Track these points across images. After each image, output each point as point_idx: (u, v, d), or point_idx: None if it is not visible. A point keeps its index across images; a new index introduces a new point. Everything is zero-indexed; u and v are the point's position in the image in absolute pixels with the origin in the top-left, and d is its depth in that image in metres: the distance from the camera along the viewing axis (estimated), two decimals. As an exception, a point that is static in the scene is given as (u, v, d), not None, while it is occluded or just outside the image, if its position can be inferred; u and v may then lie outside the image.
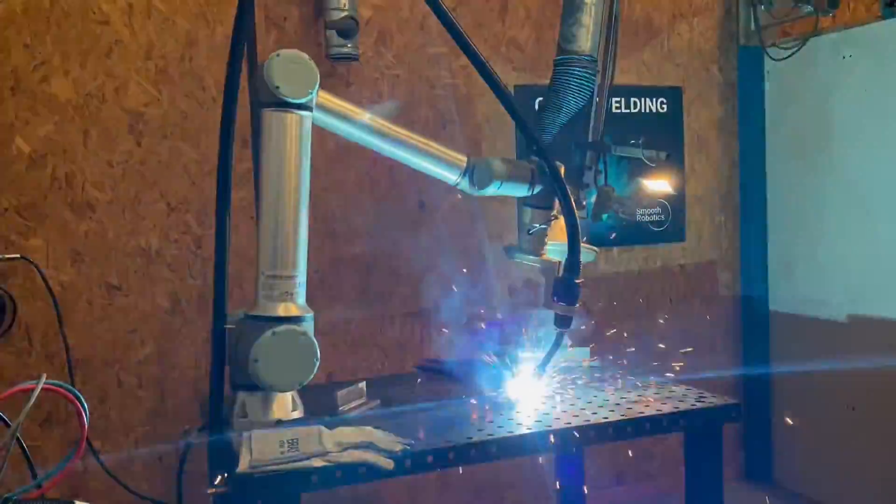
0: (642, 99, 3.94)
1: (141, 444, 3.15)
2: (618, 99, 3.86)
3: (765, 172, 4.13)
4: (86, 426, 1.33)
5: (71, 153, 3.02)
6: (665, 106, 3.99)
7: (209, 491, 1.78)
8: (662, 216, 4.01)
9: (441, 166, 2.26)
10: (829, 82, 3.73)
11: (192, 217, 3.19)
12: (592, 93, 2.48)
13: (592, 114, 2.53)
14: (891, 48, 3.45)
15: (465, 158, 2.27)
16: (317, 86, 1.99)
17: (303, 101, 1.97)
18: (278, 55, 1.94)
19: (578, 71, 2.42)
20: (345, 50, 3.20)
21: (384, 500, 3.55)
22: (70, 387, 1.33)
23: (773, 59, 3.96)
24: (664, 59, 4.00)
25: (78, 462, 3.03)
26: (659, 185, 3.78)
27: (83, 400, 1.33)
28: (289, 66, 1.94)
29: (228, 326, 1.97)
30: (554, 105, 2.45)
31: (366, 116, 2.14)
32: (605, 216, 2.56)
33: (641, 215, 3.96)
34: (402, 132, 2.20)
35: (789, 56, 3.86)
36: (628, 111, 3.91)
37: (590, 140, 2.52)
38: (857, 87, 3.59)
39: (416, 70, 3.52)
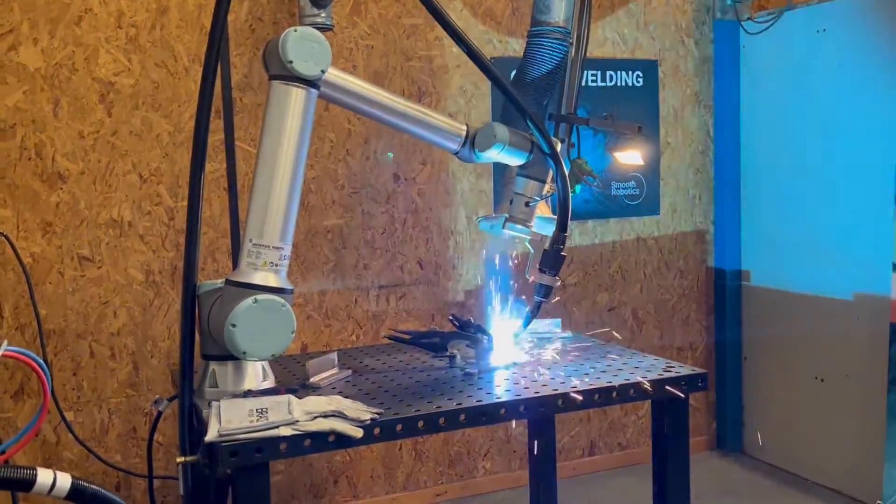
0: (618, 72, 3.95)
1: (114, 415, 3.15)
2: (594, 72, 3.87)
3: (740, 146, 4.15)
4: (48, 391, 1.33)
5: (40, 123, 2.99)
6: (641, 79, 4.00)
7: (178, 460, 1.78)
8: (637, 189, 4.03)
9: (442, 135, 2.26)
10: (804, 56, 3.75)
11: (165, 188, 3.17)
12: (566, 65, 2.47)
13: (566, 86, 2.53)
14: (865, 22, 3.47)
15: (464, 127, 2.28)
16: (328, 66, 2.00)
17: (313, 77, 1.98)
18: (296, 30, 1.95)
19: (551, 42, 2.41)
20: (318, 20, 3.17)
21: (359, 472, 3.58)
22: (30, 353, 1.33)
23: (749, 33, 3.98)
24: (640, 33, 4.00)
25: (48, 428, 3.03)
26: (631, 157, 3.80)
27: (44, 365, 1.32)
28: (304, 43, 1.95)
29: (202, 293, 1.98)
30: (527, 77, 2.44)
31: (367, 88, 2.15)
32: (577, 188, 2.57)
33: (616, 189, 3.98)
34: (404, 103, 2.22)
35: (764, 30, 3.87)
36: (604, 84, 3.91)
37: (563, 112, 2.52)
38: (832, 61, 3.61)
39: (391, 41, 3.50)
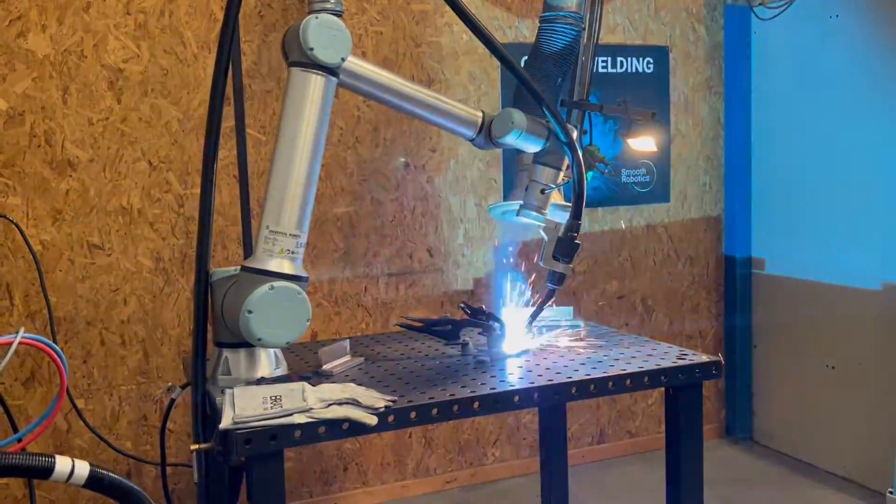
0: (629, 58, 3.92)
1: (125, 402, 3.16)
2: (604, 58, 3.84)
3: (751, 133, 4.13)
4: (65, 379, 1.32)
5: (50, 110, 2.98)
6: (651, 66, 3.97)
7: (192, 448, 1.78)
8: (647, 177, 4.01)
9: (458, 122, 2.26)
10: (816, 42, 3.72)
11: (175, 176, 3.16)
12: (578, 51, 2.45)
13: (577, 72, 2.51)
14: (878, 8, 3.43)
15: (480, 113, 2.27)
16: (348, 53, 2.00)
17: (332, 65, 1.97)
18: (317, 18, 1.95)
19: (564, 28, 2.39)
20: (327, 5, 3.12)
21: (369, 459, 3.58)
22: (47, 340, 1.32)
23: (760, 19, 3.94)
24: (651, 19, 3.97)
25: (58, 415, 3.04)
26: (644, 143, 3.77)
27: (61, 353, 1.32)
28: (325, 31, 1.95)
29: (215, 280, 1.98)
30: (539, 63, 2.42)
31: (382, 75, 2.14)
32: (589, 175, 2.56)
33: (626, 176, 3.95)
34: (420, 89, 2.21)
35: (776, 15, 3.84)
36: (614, 71, 3.88)
37: (574, 99, 2.50)
38: (845, 48, 3.58)
39: (400, 27, 3.48)
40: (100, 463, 3.12)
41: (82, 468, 1.17)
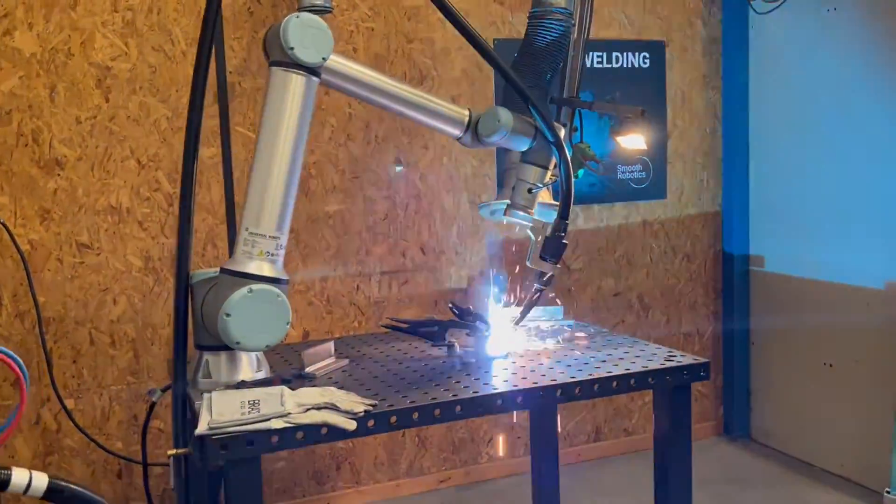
0: (624, 53, 3.87)
1: (115, 402, 3.14)
2: (599, 54, 3.79)
3: (748, 129, 4.08)
4: (25, 390, 1.30)
5: (37, 109, 2.96)
6: (647, 61, 3.93)
7: (168, 453, 1.76)
8: (643, 173, 3.97)
9: (444, 121, 2.23)
10: (814, 36, 3.67)
11: (164, 174, 3.14)
12: (568, 46, 2.42)
13: (568, 68, 2.47)
14: (875, 1, 3.38)
15: (467, 112, 2.25)
16: (330, 53, 1.97)
17: (313, 65, 1.95)
18: (297, 16, 1.93)
19: (552, 23, 2.36)
20: (318, 1, 3.10)
21: (362, 458, 3.56)
22: (6, 350, 1.30)
23: (758, 13, 3.90)
24: (647, 13, 3.93)
25: (44, 413, 3.01)
26: (634, 141, 3.73)
27: (21, 363, 1.29)
28: (306, 30, 1.93)
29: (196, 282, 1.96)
30: (528, 59, 2.39)
31: (367, 74, 2.12)
32: (580, 172, 2.53)
33: (622, 172, 3.92)
34: (405, 88, 2.18)
35: (774, 9, 3.79)
36: (610, 66, 3.84)
37: (564, 95, 2.47)
38: (842, 41, 3.53)
39: (392, 23, 3.44)
40: (90, 463, 3.11)
41: (40, 480, 1.15)
